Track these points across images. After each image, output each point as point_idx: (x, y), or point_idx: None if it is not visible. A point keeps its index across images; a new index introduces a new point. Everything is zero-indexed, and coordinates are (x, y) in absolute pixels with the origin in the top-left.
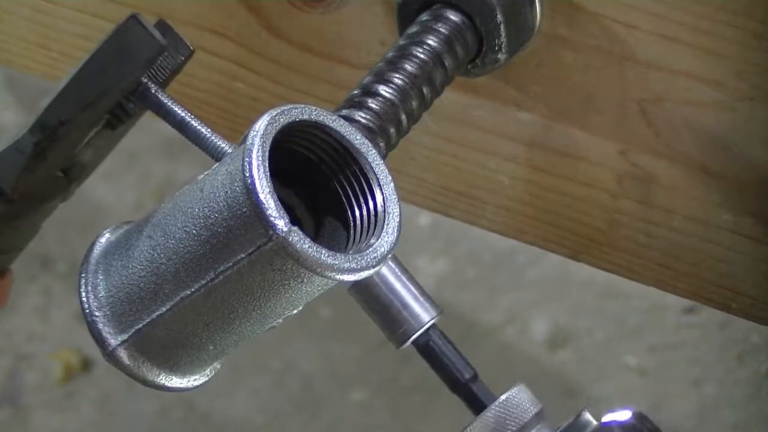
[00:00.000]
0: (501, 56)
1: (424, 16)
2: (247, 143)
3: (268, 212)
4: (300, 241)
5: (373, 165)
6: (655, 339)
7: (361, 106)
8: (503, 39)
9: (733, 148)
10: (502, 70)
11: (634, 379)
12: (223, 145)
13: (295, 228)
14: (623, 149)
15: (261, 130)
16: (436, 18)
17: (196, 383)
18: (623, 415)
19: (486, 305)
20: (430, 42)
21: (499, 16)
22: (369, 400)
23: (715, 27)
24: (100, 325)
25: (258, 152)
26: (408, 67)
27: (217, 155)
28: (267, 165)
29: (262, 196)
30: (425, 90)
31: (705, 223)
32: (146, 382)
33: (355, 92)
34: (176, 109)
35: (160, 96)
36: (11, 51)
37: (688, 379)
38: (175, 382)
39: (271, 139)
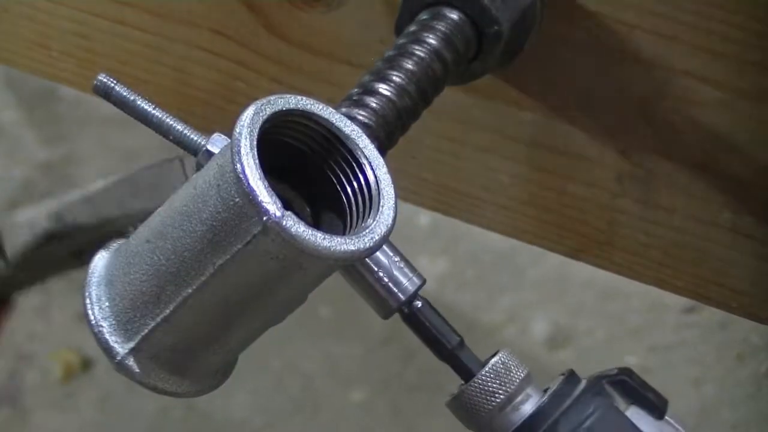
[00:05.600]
0: (500, 55)
1: (423, 15)
2: (235, 133)
3: (260, 198)
4: (294, 224)
5: (363, 148)
6: (655, 339)
7: (360, 104)
8: (502, 37)
9: (733, 147)
10: (502, 68)
11: None
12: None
13: (288, 212)
14: (623, 148)
15: (247, 119)
16: (435, 16)
17: (209, 388)
18: (610, 371)
19: (486, 305)
20: (429, 40)
21: (496, 14)
22: (369, 400)
23: (715, 26)
24: (107, 335)
25: (245, 141)
26: (407, 65)
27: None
28: (255, 153)
29: (252, 183)
30: (425, 88)
31: (705, 222)
32: (157, 389)
33: (355, 90)
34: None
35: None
36: (11, 50)
37: (688, 379)
38: (186, 387)
39: (257, 128)
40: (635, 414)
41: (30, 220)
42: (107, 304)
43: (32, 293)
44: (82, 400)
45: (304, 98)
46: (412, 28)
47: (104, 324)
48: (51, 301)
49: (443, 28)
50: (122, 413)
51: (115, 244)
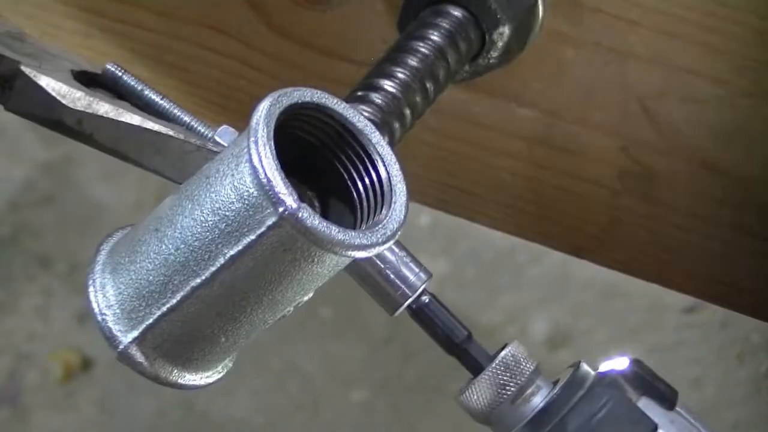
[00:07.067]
0: (503, 52)
1: (426, 13)
2: (252, 124)
3: (277, 189)
4: (310, 217)
5: (376, 144)
6: (655, 339)
7: (364, 100)
8: (505, 35)
9: (733, 144)
10: (503, 66)
11: None
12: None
13: (304, 205)
14: (624, 146)
15: (264, 110)
16: (439, 14)
17: (209, 380)
18: (621, 362)
19: (486, 305)
20: (432, 37)
21: (500, 12)
22: (369, 400)
23: (716, 23)
24: (111, 324)
25: (263, 132)
26: (410, 61)
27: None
28: (272, 144)
29: (269, 173)
30: (428, 84)
31: (706, 219)
32: (159, 380)
33: (359, 87)
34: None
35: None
36: None
37: (688, 379)
38: (188, 378)
39: (274, 119)
40: (646, 405)
41: (55, 89)
42: (111, 292)
43: (32, 293)
44: (82, 400)
45: (320, 92)
46: (416, 25)
47: (108, 312)
48: (51, 301)
49: (447, 26)
50: (122, 413)
51: (120, 232)
